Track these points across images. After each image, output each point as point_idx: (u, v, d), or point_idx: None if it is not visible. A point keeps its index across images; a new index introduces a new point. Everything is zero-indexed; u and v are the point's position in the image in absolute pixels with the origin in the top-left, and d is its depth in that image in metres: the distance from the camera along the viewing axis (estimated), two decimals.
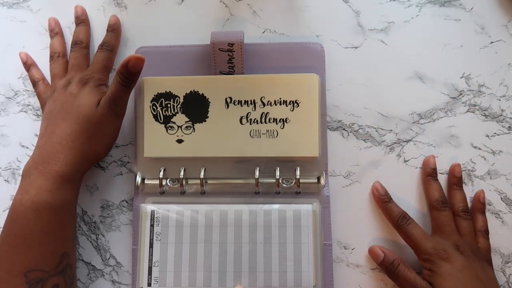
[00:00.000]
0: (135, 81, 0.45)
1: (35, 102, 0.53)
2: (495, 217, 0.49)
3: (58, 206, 0.42)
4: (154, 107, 0.48)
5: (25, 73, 0.53)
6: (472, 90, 0.51)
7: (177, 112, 0.48)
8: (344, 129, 0.51)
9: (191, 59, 0.50)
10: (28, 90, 0.53)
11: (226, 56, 0.48)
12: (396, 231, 0.47)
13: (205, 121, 0.48)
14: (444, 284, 0.43)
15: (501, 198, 0.49)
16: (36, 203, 0.41)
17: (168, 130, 0.48)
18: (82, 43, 0.51)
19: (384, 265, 0.46)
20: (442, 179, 0.50)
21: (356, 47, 0.52)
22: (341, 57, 0.52)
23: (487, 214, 0.49)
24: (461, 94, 0.51)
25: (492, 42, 0.51)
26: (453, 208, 0.48)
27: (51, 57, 0.51)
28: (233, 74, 0.49)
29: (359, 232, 0.49)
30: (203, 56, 0.50)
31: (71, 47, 0.51)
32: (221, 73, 0.49)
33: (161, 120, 0.48)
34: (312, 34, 0.52)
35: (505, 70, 0.51)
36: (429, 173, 0.49)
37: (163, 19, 0.53)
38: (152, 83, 0.49)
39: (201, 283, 0.46)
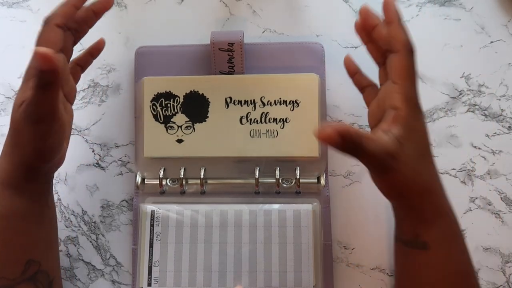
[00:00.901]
0: (54, 83, 0.35)
1: None
2: (495, 217, 0.49)
3: (9, 214, 0.39)
4: (154, 107, 0.48)
5: None
6: (472, 90, 0.51)
7: (177, 112, 0.48)
8: None
9: (191, 59, 0.50)
10: None
11: (226, 56, 0.48)
12: (399, 56, 0.39)
13: (205, 121, 0.48)
14: (414, 137, 0.37)
15: (501, 198, 0.49)
16: None
17: (168, 130, 0.48)
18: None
19: (345, 146, 0.35)
20: (442, 178, 0.50)
21: (356, 47, 0.52)
22: (341, 57, 0.51)
23: (487, 214, 0.49)
24: (461, 94, 0.51)
25: (492, 42, 0.51)
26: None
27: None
28: (233, 73, 0.49)
29: (359, 232, 0.49)
30: (203, 56, 0.50)
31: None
32: (221, 72, 0.49)
33: (161, 120, 0.48)
34: (312, 34, 0.52)
35: (505, 70, 0.51)
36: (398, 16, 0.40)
37: (163, 19, 0.53)
38: (152, 83, 0.49)
39: (201, 283, 0.46)
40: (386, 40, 0.40)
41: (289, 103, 0.48)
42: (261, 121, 0.48)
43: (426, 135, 0.39)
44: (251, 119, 0.48)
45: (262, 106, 0.48)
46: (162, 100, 0.48)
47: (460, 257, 0.39)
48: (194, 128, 0.48)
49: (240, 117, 0.48)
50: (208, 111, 0.48)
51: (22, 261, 0.40)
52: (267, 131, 0.48)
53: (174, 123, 0.48)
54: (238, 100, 0.48)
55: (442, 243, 0.39)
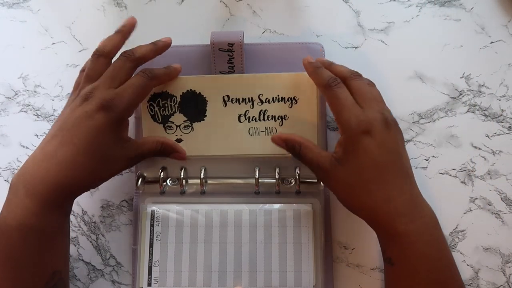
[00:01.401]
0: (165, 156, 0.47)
1: (35, 102, 0.53)
2: (495, 217, 0.49)
3: (45, 229, 0.39)
4: (151, 107, 0.48)
5: (25, 73, 0.53)
6: (472, 90, 0.51)
7: (175, 112, 0.48)
8: None
9: (191, 59, 0.50)
10: (28, 90, 0.53)
11: (226, 56, 0.48)
12: (324, 95, 0.43)
13: (203, 119, 0.48)
14: (355, 160, 0.39)
15: (501, 198, 0.49)
16: (22, 225, 0.38)
17: (167, 129, 0.48)
18: (132, 55, 0.44)
19: (289, 151, 0.44)
20: (442, 178, 0.50)
21: (356, 47, 0.52)
22: (341, 57, 0.51)
23: (488, 214, 0.49)
24: (461, 94, 0.51)
25: (492, 42, 0.51)
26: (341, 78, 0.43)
27: (94, 53, 0.43)
28: (233, 73, 0.49)
29: (359, 232, 0.49)
30: (203, 56, 0.50)
31: (120, 56, 0.44)
32: (221, 73, 0.49)
33: (159, 120, 0.48)
34: (312, 34, 0.52)
35: (505, 70, 0.51)
36: (312, 66, 0.44)
37: (163, 19, 0.53)
38: None
39: (201, 283, 0.46)
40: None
41: (288, 100, 0.48)
42: (259, 119, 0.48)
43: (369, 164, 0.39)
44: (249, 117, 0.48)
45: (260, 103, 0.48)
46: (159, 100, 0.48)
47: (427, 274, 0.38)
48: (192, 128, 0.48)
49: (238, 115, 0.48)
50: (206, 109, 0.48)
51: (48, 272, 0.40)
52: (266, 128, 0.48)
53: (173, 122, 0.48)
54: (236, 98, 0.48)
55: (404, 261, 0.39)
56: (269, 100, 0.48)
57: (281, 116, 0.48)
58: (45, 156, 0.39)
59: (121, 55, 0.44)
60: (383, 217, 0.39)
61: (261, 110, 0.48)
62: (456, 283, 0.39)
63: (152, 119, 0.48)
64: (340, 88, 0.41)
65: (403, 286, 0.39)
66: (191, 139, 0.48)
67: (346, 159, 0.40)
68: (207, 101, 0.48)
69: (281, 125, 0.48)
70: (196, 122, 0.48)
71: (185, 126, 0.48)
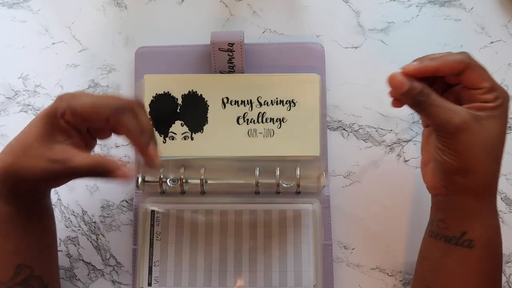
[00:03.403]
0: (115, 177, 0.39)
1: (35, 102, 0.53)
2: None
3: None
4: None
5: (25, 73, 0.53)
6: None
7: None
8: (344, 129, 0.51)
9: (191, 59, 0.50)
10: (28, 90, 0.53)
11: (226, 56, 0.48)
12: (467, 71, 0.39)
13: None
14: (501, 125, 0.38)
15: (501, 198, 0.49)
16: None
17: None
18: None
19: (411, 95, 0.38)
20: None
21: (356, 47, 0.52)
22: (341, 57, 0.52)
23: None
24: None
25: (492, 42, 0.51)
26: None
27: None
28: (233, 73, 0.49)
29: (359, 232, 0.49)
30: (203, 56, 0.50)
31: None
32: (221, 73, 0.49)
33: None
34: (312, 34, 0.52)
35: (505, 70, 0.51)
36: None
37: (163, 19, 0.53)
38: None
39: (201, 283, 0.47)
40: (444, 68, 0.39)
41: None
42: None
43: (503, 137, 0.39)
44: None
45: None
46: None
47: (499, 261, 0.40)
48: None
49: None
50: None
51: (12, 265, 0.40)
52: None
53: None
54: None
55: (488, 244, 0.39)
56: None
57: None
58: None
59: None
60: (490, 191, 0.39)
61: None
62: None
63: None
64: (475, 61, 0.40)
65: (480, 271, 0.39)
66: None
67: (493, 123, 0.38)
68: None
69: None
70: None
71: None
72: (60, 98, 0.38)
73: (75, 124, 0.39)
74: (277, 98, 0.48)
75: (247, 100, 0.48)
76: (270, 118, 0.48)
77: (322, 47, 0.50)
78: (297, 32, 0.52)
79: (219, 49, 0.48)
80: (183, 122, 0.48)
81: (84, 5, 0.54)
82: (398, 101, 0.42)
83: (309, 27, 0.52)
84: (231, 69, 0.49)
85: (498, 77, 0.50)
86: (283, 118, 0.48)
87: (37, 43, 0.53)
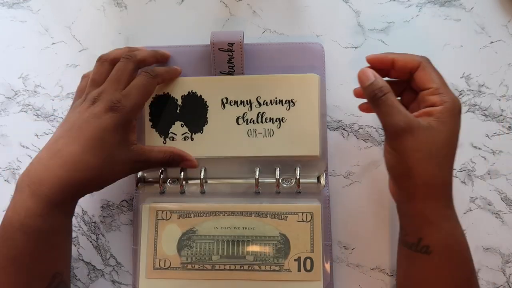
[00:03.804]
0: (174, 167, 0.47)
1: (35, 102, 0.53)
2: (495, 217, 0.49)
3: (48, 230, 0.39)
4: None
5: (25, 73, 0.53)
6: (472, 90, 0.51)
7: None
8: (344, 129, 0.51)
9: (191, 59, 0.50)
10: (28, 90, 0.53)
11: (226, 56, 0.48)
12: (418, 75, 0.41)
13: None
14: (447, 131, 0.38)
15: (501, 198, 0.49)
16: (26, 226, 0.38)
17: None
18: (133, 57, 0.44)
19: (371, 89, 0.40)
20: None
21: (356, 47, 0.52)
22: (341, 57, 0.52)
23: (488, 214, 0.49)
24: (461, 94, 0.51)
25: (492, 42, 0.51)
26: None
27: (99, 59, 0.45)
28: (233, 74, 0.49)
29: (359, 232, 0.49)
30: (203, 56, 0.50)
31: (121, 58, 0.44)
32: (221, 73, 0.49)
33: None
34: (312, 34, 0.52)
35: (505, 70, 0.51)
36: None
37: (163, 19, 0.53)
38: None
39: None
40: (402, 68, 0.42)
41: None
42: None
43: (454, 141, 0.39)
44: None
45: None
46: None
47: (462, 265, 0.39)
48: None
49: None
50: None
51: (50, 274, 0.40)
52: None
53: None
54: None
55: (445, 249, 0.39)
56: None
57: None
58: (50, 156, 0.40)
59: (122, 57, 0.44)
60: (438, 197, 0.39)
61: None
62: (475, 273, 0.40)
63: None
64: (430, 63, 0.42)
65: (439, 276, 0.39)
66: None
67: (438, 129, 0.38)
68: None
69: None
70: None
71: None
72: (118, 106, 0.41)
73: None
74: (276, 98, 0.48)
75: (247, 100, 0.48)
76: (270, 118, 0.48)
77: (322, 47, 0.50)
78: (297, 32, 0.52)
79: (219, 49, 0.48)
80: (183, 123, 0.48)
81: (84, 5, 0.54)
82: (364, 105, 0.46)
83: (309, 27, 0.52)
84: (231, 69, 0.49)
85: (498, 77, 0.50)
86: (282, 118, 0.48)
87: (37, 43, 0.53)
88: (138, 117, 0.45)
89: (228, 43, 0.48)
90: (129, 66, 0.44)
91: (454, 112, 0.39)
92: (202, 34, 0.51)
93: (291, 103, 0.48)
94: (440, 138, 0.38)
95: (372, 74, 0.41)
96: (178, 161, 0.46)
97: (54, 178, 0.39)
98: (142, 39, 0.53)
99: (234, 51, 0.48)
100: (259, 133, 0.48)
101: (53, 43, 0.54)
